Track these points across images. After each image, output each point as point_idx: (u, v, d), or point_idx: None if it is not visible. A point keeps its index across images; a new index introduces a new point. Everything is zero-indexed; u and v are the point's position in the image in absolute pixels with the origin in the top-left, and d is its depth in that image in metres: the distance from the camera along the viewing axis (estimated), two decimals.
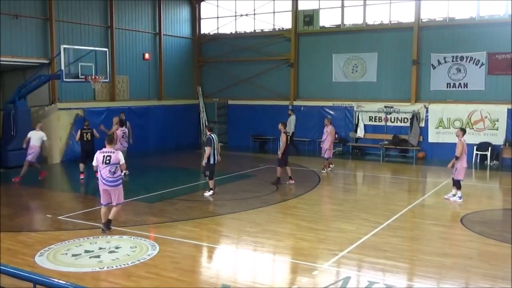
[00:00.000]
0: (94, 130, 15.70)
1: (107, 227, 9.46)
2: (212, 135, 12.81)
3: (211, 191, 12.91)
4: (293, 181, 14.61)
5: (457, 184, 12.45)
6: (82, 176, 15.31)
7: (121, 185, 9.56)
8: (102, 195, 9.53)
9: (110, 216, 9.50)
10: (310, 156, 19.72)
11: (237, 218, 10.86)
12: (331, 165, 16.96)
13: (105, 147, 9.55)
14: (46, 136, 15.25)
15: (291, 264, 8.21)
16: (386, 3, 21.23)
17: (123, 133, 15.90)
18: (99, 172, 9.43)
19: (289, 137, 14.90)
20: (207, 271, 8.05)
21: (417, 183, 16.24)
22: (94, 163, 9.55)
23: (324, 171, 16.54)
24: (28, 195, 13.48)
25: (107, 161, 9.28)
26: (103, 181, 9.33)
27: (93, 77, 16.86)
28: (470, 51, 19.40)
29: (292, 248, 8.98)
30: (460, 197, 12.38)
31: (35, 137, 14.85)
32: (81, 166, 15.34)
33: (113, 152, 9.38)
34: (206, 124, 24.30)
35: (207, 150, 12.58)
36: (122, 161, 9.47)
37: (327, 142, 16.48)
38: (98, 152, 9.54)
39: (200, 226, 10.43)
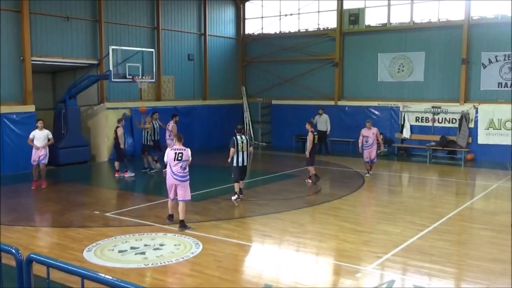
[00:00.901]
0: (118, 130, 15.50)
1: (184, 226, 9.70)
2: (238, 136, 12.18)
3: (235, 195, 12.29)
4: (311, 181, 14.50)
5: None
6: (116, 175, 15.79)
7: (189, 181, 9.83)
8: (170, 190, 9.85)
9: (180, 217, 9.74)
10: (354, 157, 19.43)
11: (280, 218, 10.83)
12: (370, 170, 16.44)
13: (176, 144, 9.93)
14: (51, 134, 14.02)
15: (334, 266, 8.13)
16: (434, 1, 20.72)
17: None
18: (169, 168, 9.73)
19: (316, 136, 14.63)
20: (249, 271, 8.06)
21: (465, 185, 15.74)
22: (165, 159, 9.86)
23: (368, 174, 16.09)
24: (76, 191, 13.84)
25: (179, 158, 9.65)
26: (174, 176, 9.66)
27: (138, 79, 17.26)
28: None
29: (335, 250, 8.88)
30: None
31: (40, 136, 13.60)
32: (115, 164, 15.91)
33: (184, 150, 9.75)
34: (249, 123, 24.36)
35: (231, 151, 12.13)
36: (190, 158, 9.83)
37: (375, 146, 15.94)
38: (169, 149, 9.93)
39: (243, 225, 10.51)
